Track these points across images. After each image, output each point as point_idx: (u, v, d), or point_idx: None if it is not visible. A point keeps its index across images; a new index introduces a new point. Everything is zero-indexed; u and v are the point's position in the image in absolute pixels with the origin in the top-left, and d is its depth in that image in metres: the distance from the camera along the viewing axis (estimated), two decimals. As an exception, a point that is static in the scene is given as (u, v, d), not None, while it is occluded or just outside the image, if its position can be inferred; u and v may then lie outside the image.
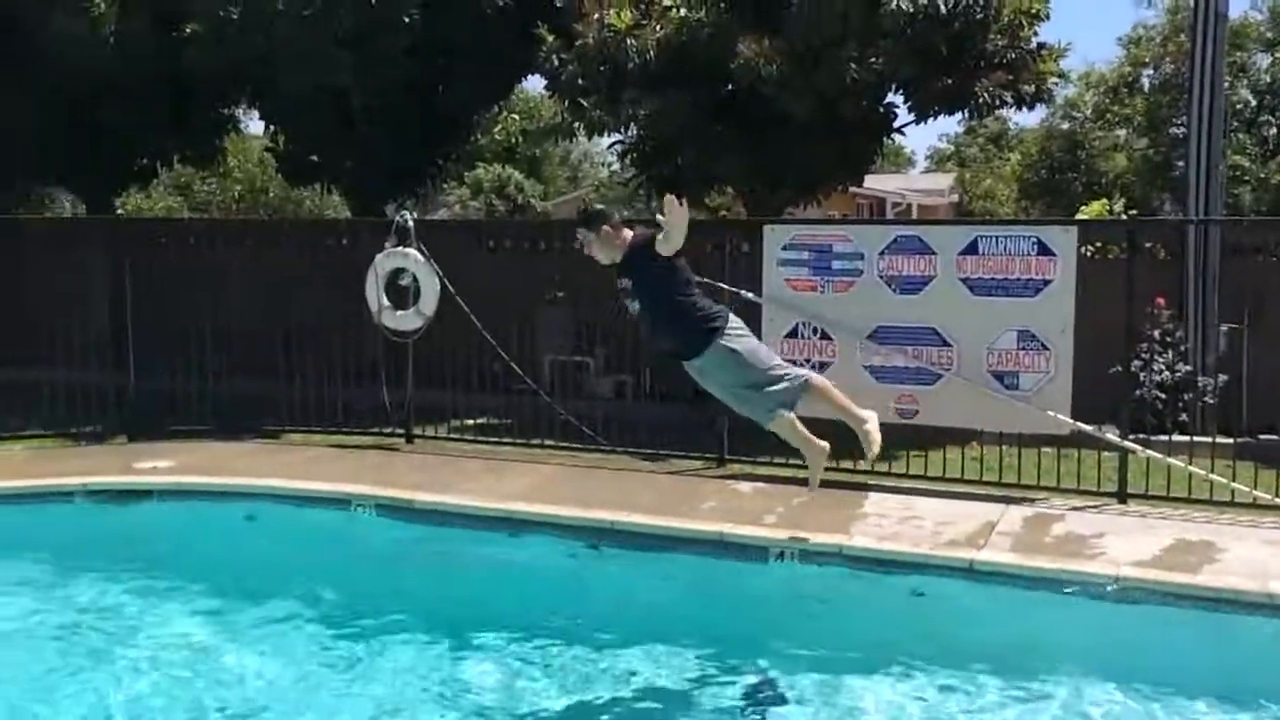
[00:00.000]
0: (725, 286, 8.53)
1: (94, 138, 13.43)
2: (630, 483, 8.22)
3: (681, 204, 5.13)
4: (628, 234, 5.52)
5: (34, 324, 10.27)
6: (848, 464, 8.20)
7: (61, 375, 9.81)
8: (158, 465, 8.49)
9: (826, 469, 8.18)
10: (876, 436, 5.82)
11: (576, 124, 11.40)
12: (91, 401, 9.86)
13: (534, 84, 14.64)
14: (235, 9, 10.76)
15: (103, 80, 11.98)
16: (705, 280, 8.42)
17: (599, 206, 5.43)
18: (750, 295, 8.46)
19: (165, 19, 11.20)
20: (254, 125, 18.33)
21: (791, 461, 8.39)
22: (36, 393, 9.79)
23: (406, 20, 10.98)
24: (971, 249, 7.85)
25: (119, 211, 16.67)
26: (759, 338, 8.37)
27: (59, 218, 20.78)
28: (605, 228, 5.45)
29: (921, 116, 10.67)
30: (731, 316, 5.62)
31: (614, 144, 12.14)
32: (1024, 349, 7.73)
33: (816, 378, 5.92)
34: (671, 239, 5.20)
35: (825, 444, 5.88)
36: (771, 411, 5.66)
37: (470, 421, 10.18)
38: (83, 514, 7.70)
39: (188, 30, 10.92)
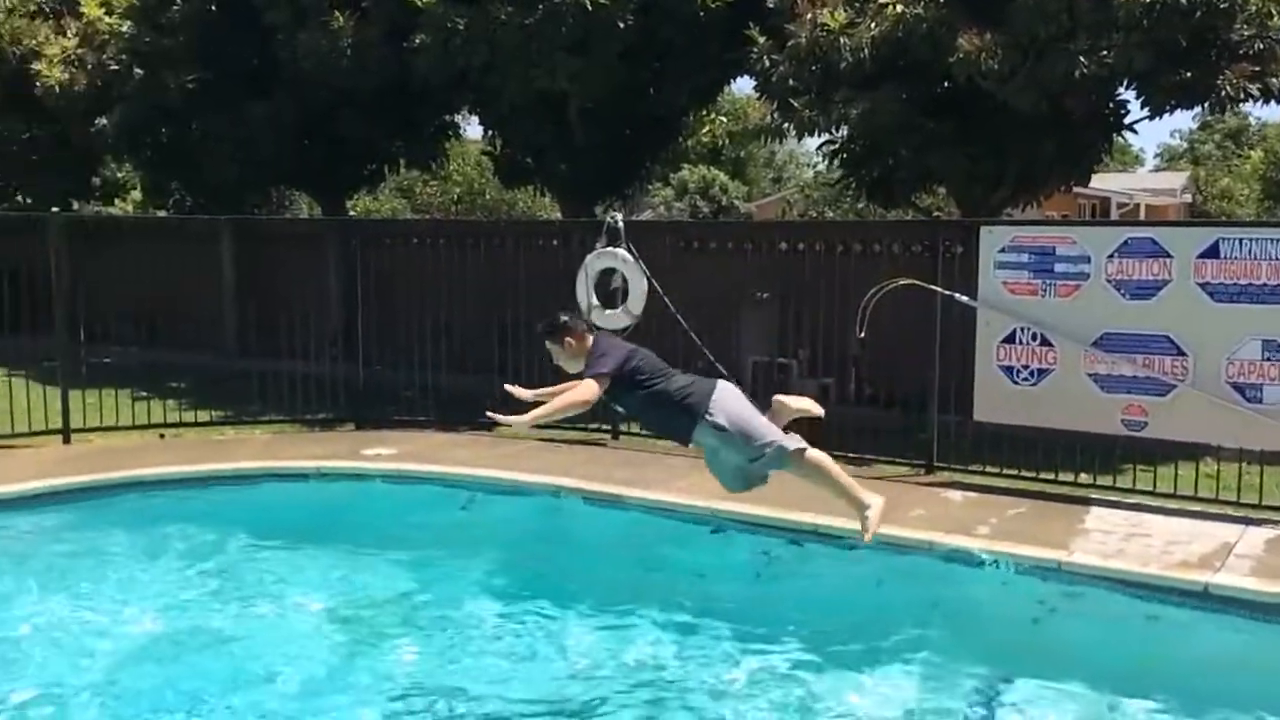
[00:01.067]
0: (938, 290, 8.31)
1: (330, 144, 14.36)
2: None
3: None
4: (589, 341, 5.18)
5: (273, 318, 11.07)
6: (1068, 476, 7.87)
7: (298, 366, 10.51)
8: (381, 452, 8.98)
9: (1046, 480, 7.89)
10: (875, 528, 5.23)
11: (786, 125, 11.31)
12: (324, 391, 10.52)
13: (742, 85, 14.58)
14: (461, 20, 11.24)
15: (340, 90, 12.77)
16: (916, 283, 8.29)
17: (563, 318, 5.17)
18: (965, 300, 8.21)
19: (397, 31, 11.83)
20: (473, 130, 19.12)
21: (1006, 471, 8.12)
22: (275, 382, 10.52)
23: (622, 25, 11.19)
24: (1212, 252, 7.35)
25: (350, 213, 17.74)
26: (973, 341, 8.19)
27: (298, 219, 22.29)
28: (568, 339, 5.14)
29: (1155, 112, 10.03)
30: (715, 390, 5.08)
31: (823, 144, 11.98)
32: (1270, 360, 7.17)
33: (813, 451, 5.17)
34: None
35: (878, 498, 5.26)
36: (764, 478, 5.21)
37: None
38: (315, 493, 8.23)
39: (417, 40, 11.49)
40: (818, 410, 5.45)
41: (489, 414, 5.07)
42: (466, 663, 5.53)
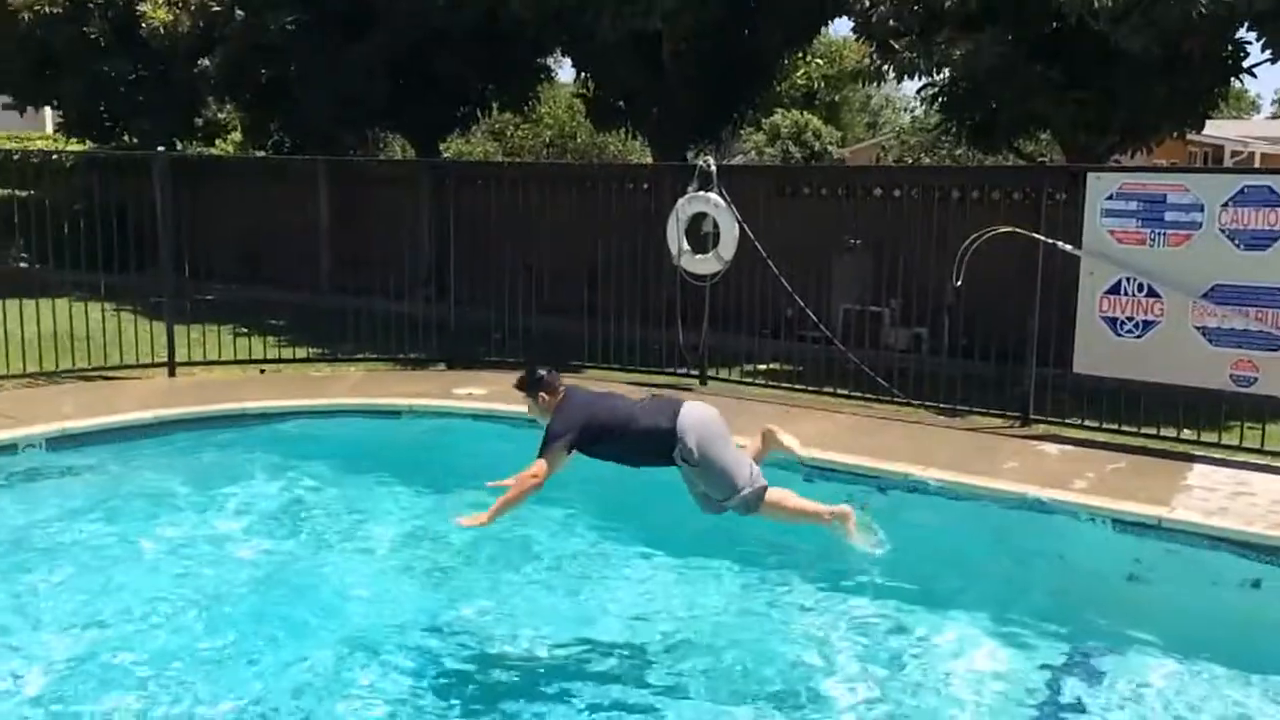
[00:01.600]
0: (1041, 237, 8.07)
1: (424, 86, 14.46)
2: (926, 437, 7.99)
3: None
4: (560, 398, 5.06)
5: (366, 258, 11.24)
6: (1170, 431, 7.64)
7: (390, 306, 10.68)
8: (473, 391, 9.09)
9: (1148, 435, 7.67)
10: (852, 534, 5.11)
11: (885, 67, 11.01)
12: (416, 330, 10.68)
13: (840, 27, 14.27)
14: (555, -43, 11.18)
15: (434, 30, 12.82)
16: (1018, 230, 8.06)
17: (540, 373, 5.10)
18: (1068, 248, 7.96)
19: (492, -30, 11.82)
20: (564, 73, 19.06)
21: (1105, 426, 7.91)
22: (369, 321, 10.71)
23: (719, -38, 11.01)
24: (1335, 201, 6.99)
25: (443, 155, 17.87)
26: (1075, 291, 7.95)
27: (392, 160, 22.55)
28: (543, 395, 5.06)
29: (1278, 55, 9.54)
30: (680, 422, 4.85)
31: (922, 88, 11.65)
32: (1393, 315, 6.83)
33: (773, 491, 4.98)
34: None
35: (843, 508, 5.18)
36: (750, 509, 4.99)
37: (762, 367, 10.23)
38: (406, 430, 8.39)
39: (511, -20, 11.47)
40: (801, 453, 5.43)
41: (455, 521, 4.95)
42: (540, 596, 5.61)
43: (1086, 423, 7.97)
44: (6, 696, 4.47)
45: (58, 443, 7.46)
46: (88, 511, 6.54)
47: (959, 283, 8.20)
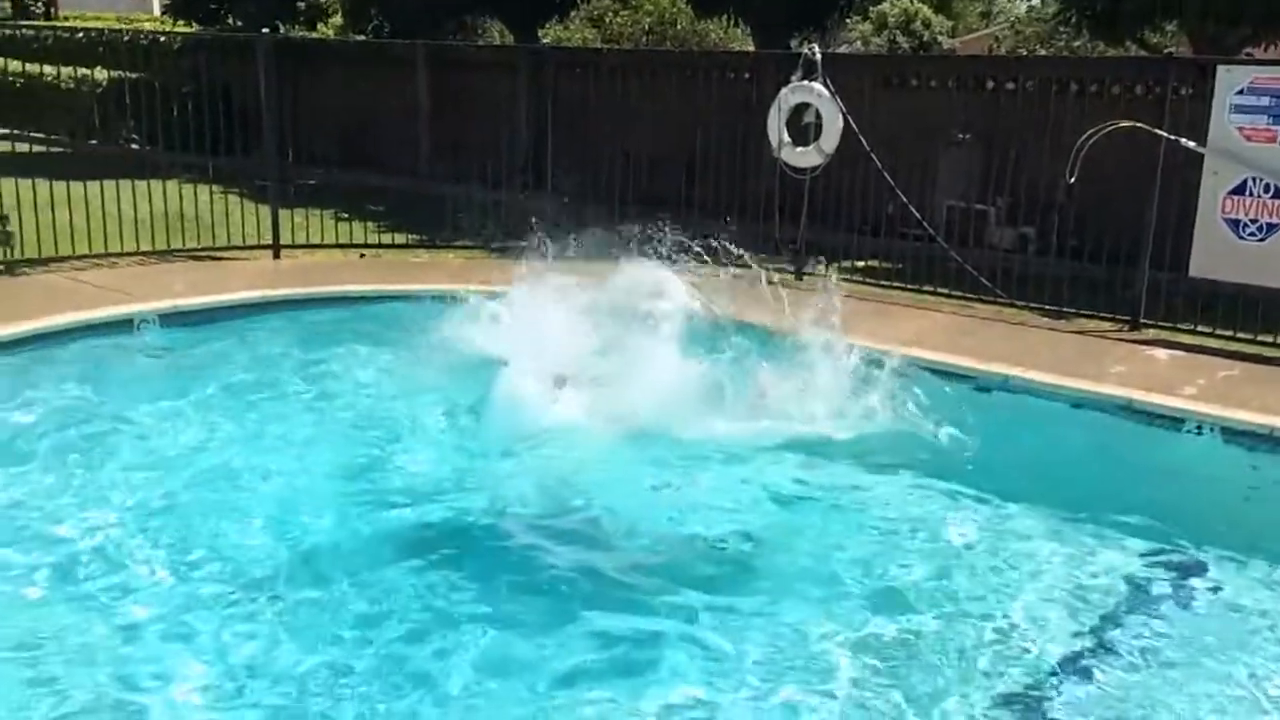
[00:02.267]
0: (1163, 134, 7.69)
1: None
2: (1029, 338, 7.81)
3: None
4: None
5: (465, 144, 11.22)
6: (1289, 339, 7.34)
7: (488, 193, 10.69)
8: (570, 281, 9.10)
9: (1264, 344, 7.38)
10: None
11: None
12: (513, 218, 10.69)
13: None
14: None
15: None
16: (1139, 125, 7.68)
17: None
18: (1192, 145, 7.57)
19: None
20: (666, -44, 18.53)
21: (1219, 332, 7.63)
22: (467, 207, 10.75)
23: None
24: None
25: (541, 42, 17.65)
26: (1196, 191, 7.60)
27: (491, 46, 22.36)
28: None
29: None
30: None
31: (1042, -27, 11.07)
32: None
33: None
34: None
35: None
36: None
37: (859, 263, 10.04)
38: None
39: None
40: None
41: None
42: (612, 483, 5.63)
43: (1199, 328, 7.69)
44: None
45: (170, 319, 7.71)
46: (202, 384, 6.73)
47: (1073, 180, 7.88)
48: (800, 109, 9.61)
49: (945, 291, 9.02)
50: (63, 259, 9.03)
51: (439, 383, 6.82)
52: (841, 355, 6.45)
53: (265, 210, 10.23)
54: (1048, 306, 8.51)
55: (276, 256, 10.06)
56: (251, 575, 4.49)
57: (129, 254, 9.39)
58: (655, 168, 10.81)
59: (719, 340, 6.77)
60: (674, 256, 10.04)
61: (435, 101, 15.87)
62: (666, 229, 7.57)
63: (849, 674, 3.91)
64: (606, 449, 5.88)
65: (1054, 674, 3.97)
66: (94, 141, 11.89)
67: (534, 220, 9.59)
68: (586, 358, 6.53)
